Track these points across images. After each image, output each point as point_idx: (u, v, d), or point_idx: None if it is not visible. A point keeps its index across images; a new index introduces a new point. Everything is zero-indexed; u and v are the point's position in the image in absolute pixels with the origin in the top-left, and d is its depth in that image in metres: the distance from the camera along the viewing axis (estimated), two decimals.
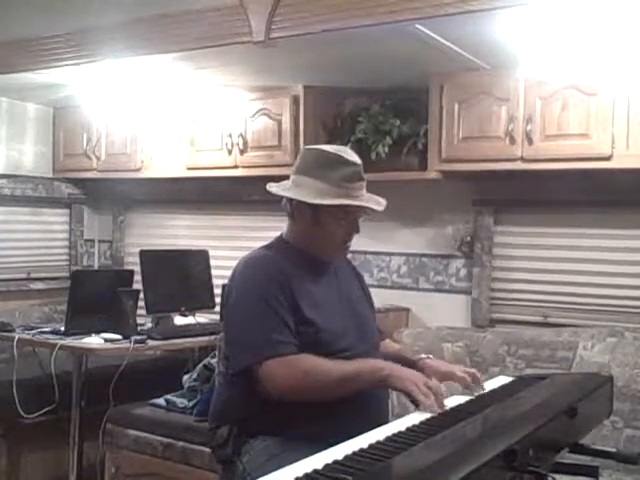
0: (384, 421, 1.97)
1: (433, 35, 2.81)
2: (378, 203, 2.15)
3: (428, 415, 1.78)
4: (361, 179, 2.11)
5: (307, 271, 2.12)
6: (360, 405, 2.00)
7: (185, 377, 3.60)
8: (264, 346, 1.97)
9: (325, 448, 1.48)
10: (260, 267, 2.08)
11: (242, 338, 2.04)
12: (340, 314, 2.12)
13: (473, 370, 2.16)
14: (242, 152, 4.01)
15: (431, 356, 2.27)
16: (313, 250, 2.15)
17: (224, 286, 3.81)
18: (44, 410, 3.62)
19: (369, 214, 2.17)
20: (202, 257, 4.27)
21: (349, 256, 2.45)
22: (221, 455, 2.10)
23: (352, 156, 2.13)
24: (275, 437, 1.98)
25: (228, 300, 2.11)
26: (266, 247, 2.18)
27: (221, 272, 4.23)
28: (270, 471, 1.33)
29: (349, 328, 2.12)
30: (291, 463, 1.37)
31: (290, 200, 2.13)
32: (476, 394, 2.05)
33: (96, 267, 5.13)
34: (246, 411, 2.04)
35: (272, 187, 2.17)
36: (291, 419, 1.96)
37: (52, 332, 3.65)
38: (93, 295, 3.70)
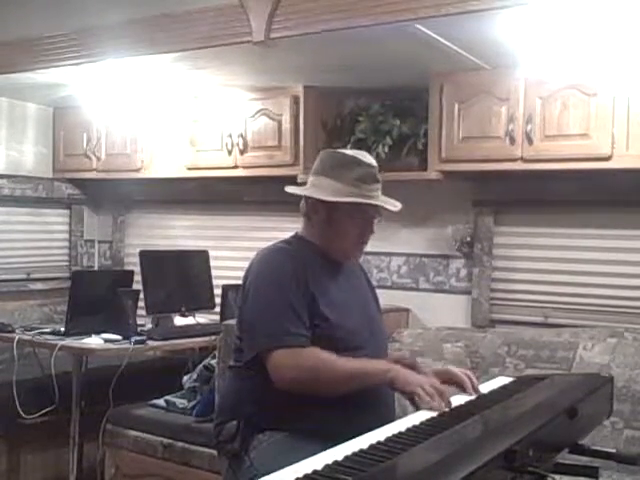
0: (391, 417, 1.99)
1: (433, 35, 2.81)
2: (393, 205, 2.18)
3: (428, 415, 1.78)
4: (376, 181, 2.15)
5: (323, 267, 2.15)
6: (367, 402, 2.02)
7: (185, 378, 3.60)
8: (275, 336, 2.00)
9: (333, 444, 1.49)
10: (277, 259, 2.11)
11: (255, 327, 2.07)
12: (354, 313, 2.15)
13: (469, 373, 2.17)
14: (242, 152, 4.01)
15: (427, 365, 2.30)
16: (328, 250, 2.18)
17: (224, 286, 3.87)
18: (44, 410, 3.62)
19: (382, 215, 2.19)
20: (202, 257, 4.28)
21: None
22: (228, 450, 2.10)
23: (368, 158, 2.18)
24: (283, 433, 2.00)
25: (244, 290, 2.13)
26: (284, 241, 2.21)
27: (221, 272, 4.25)
28: (277, 467, 1.34)
29: (362, 327, 2.15)
30: (299, 459, 1.38)
31: (307, 200, 2.18)
32: (474, 395, 2.05)
33: (96, 267, 5.13)
34: (255, 406, 2.05)
35: (289, 188, 2.24)
36: (300, 415, 1.97)
37: (52, 333, 3.66)
38: (93, 295, 3.71)
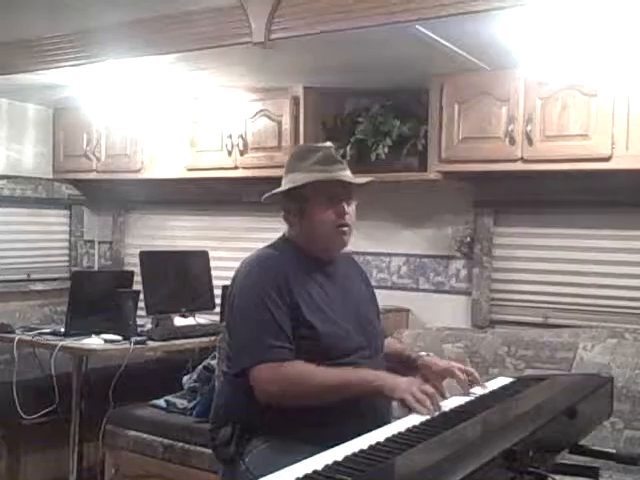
0: (387, 421, 1.97)
1: (433, 36, 2.81)
2: (357, 180, 2.13)
3: (427, 416, 1.78)
4: (336, 161, 2.12)
5: (310, 271, 2.11)
6: (362, 408, 2.00)
7: (185, 378, 3.60)
8: (257, 351, 1.98)
9: (328, 448, 1.48)
10: (260, 268, 2.08)
11: (239, 340, 2.05)
12: (343, 316, 2.11)
13: (472, 370, 2.16)
14: (242, 153, 4.01)
15: (431, 354, 2.27)
16: (312, 247, 2.14)
17: (224, 287, 3.85)
18: (44, 411, 3.62)
19: (353, 194, 2.13)
20: (202, 258, 4.28)
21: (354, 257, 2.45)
22: (223, 454, 2.09)
23: (326, 143, 2.19)
24: (278, 437, 1.98)
25: (229, 300, 2.11)
26: (269, 246, 2.19)
27: (221, 273, 4.24)
28: (272, 471, 1.33)
29: (352, 331, 2.10)
30: (293, 463, 1.38)
31: (280, 202, 2.17)
32: (475, 394, 2.05)
33: (96, 268, 5.13)
34: (248, 411, 2.04)
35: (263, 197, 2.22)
36: (294, 420, 1.95)
37: (52, 333, 3.66)
38: (93, 296, 3.71)
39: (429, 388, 1.90)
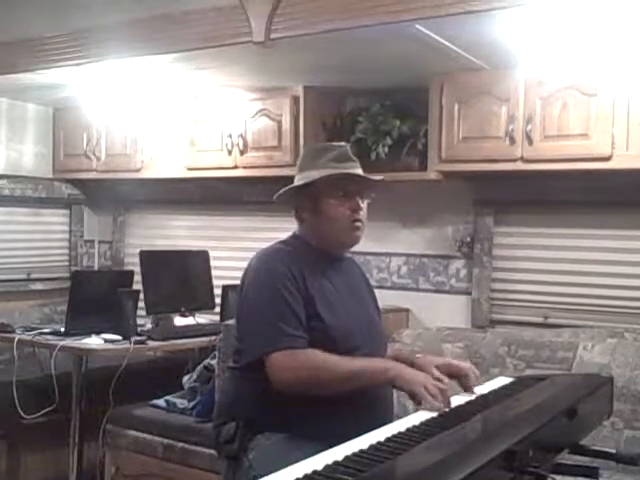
0: (389, 420, 1.99)
1: (433, 35, 2.81)
2: (373, 176, 2.18)
3: (428, 416, 1.78)
4: (350, 159, 2.16)
5: (320, 267, 2.15)
6: (366, 404, 2.02)
7: (185, 378, 3.61)
8: (274, 338, 1.99)
9: (332, 446, 1.48)
10: (274, 260, 2.10)
11: (254, 329, 2.06)
12: (350, 312, 2.14)
13: (469, 365, 2.17)
14: (242, 152, 4.01)
15: (429, 356, 2.28)
16: (324, 243, 2.18)
17: (224, 287, 3.87)
18: (44, 411, 3.63)
19: (371, 194, 2.17)
20: (202, 257, 4.28)
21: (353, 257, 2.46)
22: (227, 451, 2.10)
23: (340, 143, 2.22)
24: (282, 434, 2.00)
25: (241, 292, 2.13)
26: (281, 242, 2.21)
27: (221, 273, 4.25)
28: (277, 468, 1.34)
29: (359, 327, 2.14)
30: (298, 460, 1.38)
31: (293, 200, 2.19)
32: (473, 393, 2.05)
33: (96, 268, 5.13)
34: (254, 408, 2.05)
35: (276, 195, 2.23)
36: (298, 416, 1.97)
37: (52, 333, 3.66)
38: (93, 296, 3.71)
39: (441, 384, 1.92)
